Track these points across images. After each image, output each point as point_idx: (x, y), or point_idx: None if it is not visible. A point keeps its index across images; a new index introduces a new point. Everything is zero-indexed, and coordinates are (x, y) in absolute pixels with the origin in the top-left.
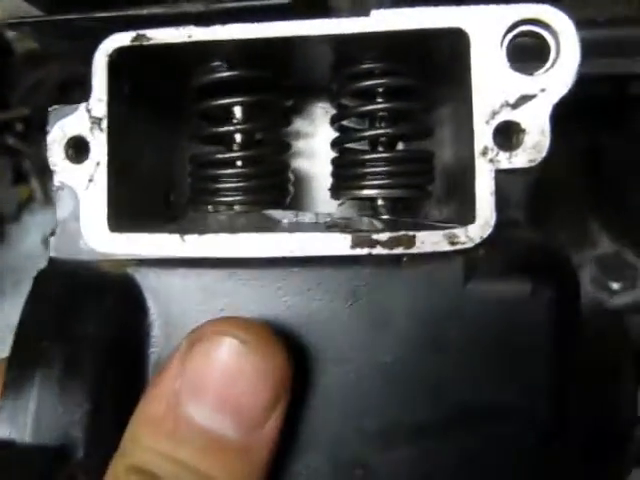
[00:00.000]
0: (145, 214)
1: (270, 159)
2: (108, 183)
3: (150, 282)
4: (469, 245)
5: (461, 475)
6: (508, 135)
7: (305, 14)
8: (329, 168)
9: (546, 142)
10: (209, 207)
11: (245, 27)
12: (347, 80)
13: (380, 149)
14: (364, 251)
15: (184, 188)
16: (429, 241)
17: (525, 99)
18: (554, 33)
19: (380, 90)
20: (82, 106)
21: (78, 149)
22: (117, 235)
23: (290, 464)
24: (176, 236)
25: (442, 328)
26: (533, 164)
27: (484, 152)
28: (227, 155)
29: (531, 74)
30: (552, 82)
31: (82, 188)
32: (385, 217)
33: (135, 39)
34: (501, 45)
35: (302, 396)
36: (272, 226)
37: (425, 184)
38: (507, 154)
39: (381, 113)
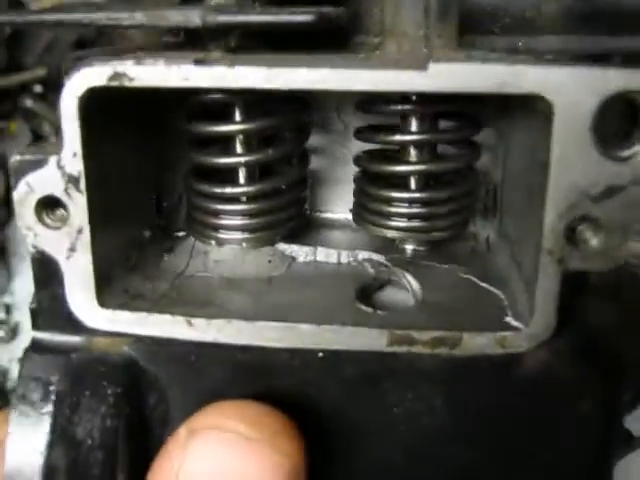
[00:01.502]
0: (135, 235)
1: (284, 191)
2: (93, 251)
3: (151, 360)
4: (522, 350)
5: None
6: (583, 231)
7: (325, 39)
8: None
9: (628, 243)
10: (212, 241)
11: (268, 74)
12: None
13: (412, 187)
14: (402, 349)
15: (177, 190)
16: (477, 343)
17: (611, 192)
18: None
19: (416, 117)
20: (52, 160)
21: (52, 210)
22: (112, 313)
23: None
24: (182, 320)
25: (479, 417)
26: (610, 266)
27: (551, 252)
28: (232, 190)
29: (622, 160)
30: None
31: (63, 257)
32: (411, 248)
33: (113, 78)
34: (591, 120)
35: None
36: (285, 267)
37: (462, 224)
38: (579, 254)
39: (417, 145)
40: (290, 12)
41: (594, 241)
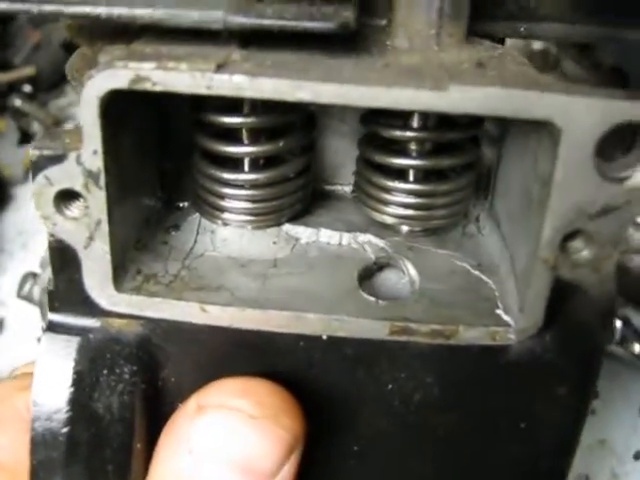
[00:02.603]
0: (144, 214)
1: (289, 178)
2: (111, 240)
3: (164, 339)
4: (510, 342)
5: None
6: (577, 243)
7: (342, 46)
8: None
9: (616, 256)
10: (218, 221)
11: (291, 87)
12: None
13: (411, 179)
14: (401, 338)
15: (178, 161)
16: (471, 336)
17: (606, 211)
18: None
19: (420, 115)
20: (72, 156)
21: (70, 201)
22: (128, 297)
23: None
24: (196, 306)
25: (466, 394)
26: (597, 275)
27: (546, 260)
28: (236, 177)
29: (619, 181)
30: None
31: (81, 246)
32: (406, 229)
33: (135, 82)
34: (595, 146)
35: (315, 445)
36: (289, 248)
37: (459, 213)
38: (571, 263)
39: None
40: (310, 17)
41: (585, 252)
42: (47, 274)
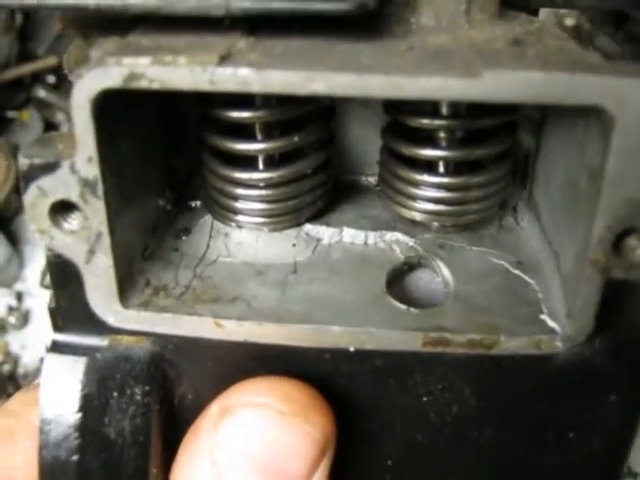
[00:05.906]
0: (150, 218)
1: (307, 175)
2: (114, 252)
3: (178, 355)
4: (557, 351)
5: None
6: (630, 241)
7: (361, 29)
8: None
9: None
10: (232, 224)
11: (303, 79)
12: None
13: (441, 171)
14: (436, 349)
15: (187, 160)
16: (513, 345)
17: None
18: None
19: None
20: (65, 164)
21: (67, 213)
22: (136, 313)
23: None
24: (210, 321)
25: (507, 405)
26: None
27: (596, 261)
28: (250, 176)
29: None
30: None
31: (82, 261)
32: (437, 225)
33: (130, 79)
34: None
35: (346, 448)
36: (310, 250)
37: (493, 207)
38: (624, 263)
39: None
40: None
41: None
42: None
